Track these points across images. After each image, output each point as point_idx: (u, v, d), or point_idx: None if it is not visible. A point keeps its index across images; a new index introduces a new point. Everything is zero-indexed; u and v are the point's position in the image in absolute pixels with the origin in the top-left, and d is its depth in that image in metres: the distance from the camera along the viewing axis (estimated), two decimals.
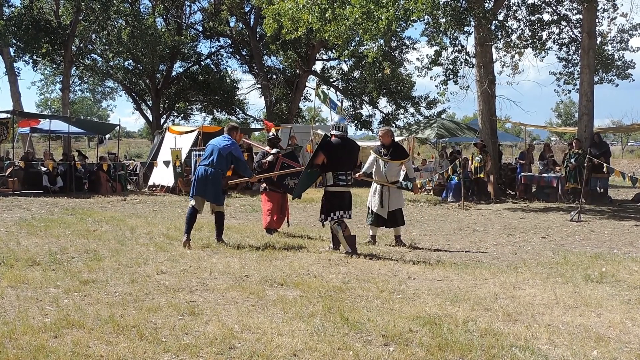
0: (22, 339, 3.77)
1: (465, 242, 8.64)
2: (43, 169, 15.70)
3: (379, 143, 8.49)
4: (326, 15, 14.43)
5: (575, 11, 16.19)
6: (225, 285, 5.31)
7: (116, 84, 31.62)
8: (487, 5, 14.73)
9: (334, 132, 7.26)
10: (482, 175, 14.74)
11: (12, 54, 24.30)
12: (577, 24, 16.03)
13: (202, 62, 30.43)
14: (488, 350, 3.71)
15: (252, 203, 13.53)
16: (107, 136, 23.43)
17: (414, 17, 13.19)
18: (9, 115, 16.37)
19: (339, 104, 19.17)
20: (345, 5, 13.96)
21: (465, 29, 14.20)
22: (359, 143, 20.94)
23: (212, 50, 31.00)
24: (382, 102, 28.88)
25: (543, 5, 16.11)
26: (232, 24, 29.95)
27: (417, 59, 30.42)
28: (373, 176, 8.22)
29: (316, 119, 26.17)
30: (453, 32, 13.90)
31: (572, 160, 14.15)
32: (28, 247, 7.15)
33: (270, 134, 9.64)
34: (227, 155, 7.50)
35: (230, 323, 4.19)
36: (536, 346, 3.80)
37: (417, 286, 5.45)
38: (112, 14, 23.82)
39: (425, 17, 13.67)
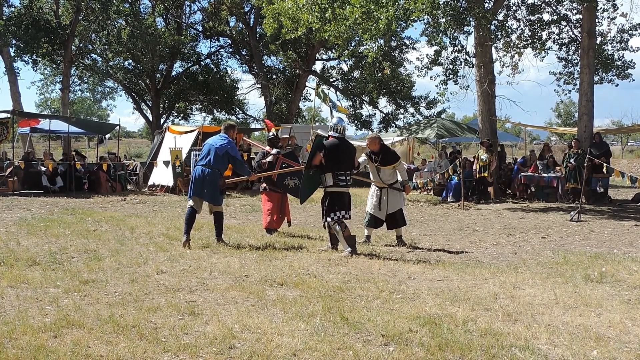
0: (22, 339, 3.77)
1: (465, 242, 8.64)
2: (43, 168, 15.69)
3: None
4: (326, 15, 14.43)
5: (575, 11, 16.16)
6: (225, 285, 5.31)
7: (116, 84, 31.61)
8: (486, 5, 14.72)
9: (331, 133, 7.32)
10: (485, 174, 14.72)
11: (12, 53, 24.32)
12: (577, 24, 16.01)
13: (201, 62, 30.43)
14: (488, 350, 3.71)
15: (252, 203, 13.52)
16: (107, 136, 23.41)
17: (413, 17, 13.19)
18: (8, 115, 16.35)
19: (339, 103, 19.11)
20: (345, 5, 13.96)
21: (465, 29, 14.20)
22: (359, 143, 20.73)
23: (212, 50, 31.03)
24: (382, 102, 28.93)
25: (543, 5, 16.10)
26: (232, 24, 29.94)
27: (417, 58, 30.52)
28: (371, 178, 8.23)
29: (316, 118, 26.16)
30: (453, 32, 13.89)
31: (572, 160, 14.15)
32: (28, 246, 7.15)
33: (271, 133, 9.62)
34: (223, 155, 7.48)
35: (230, 323, 4.19)
36: (536, 346, 3.81)
37: (417, 286, 5.45)
38: (112, 13, 23.84)
39: (425, 17, 13.67)
